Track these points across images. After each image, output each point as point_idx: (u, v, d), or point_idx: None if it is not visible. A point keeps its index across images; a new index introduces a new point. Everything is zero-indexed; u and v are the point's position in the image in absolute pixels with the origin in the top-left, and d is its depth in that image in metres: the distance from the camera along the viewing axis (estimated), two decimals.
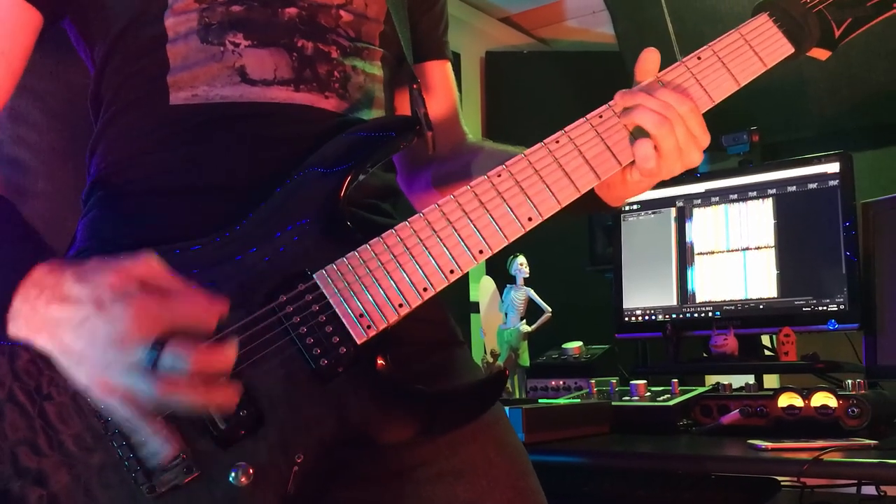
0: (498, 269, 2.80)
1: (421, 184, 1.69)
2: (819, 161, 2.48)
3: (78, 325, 1.08)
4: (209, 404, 1.09)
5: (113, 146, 1.42)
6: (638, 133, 1.33)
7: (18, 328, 1.12)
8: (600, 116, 1.35)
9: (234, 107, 1.37)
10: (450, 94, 1.72)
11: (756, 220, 2.56)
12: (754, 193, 2.57)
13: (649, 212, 2.78)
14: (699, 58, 1.38)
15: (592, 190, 1.35)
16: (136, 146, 1.39)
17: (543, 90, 4.67)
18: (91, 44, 1.45)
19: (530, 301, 2.70)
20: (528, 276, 2.71)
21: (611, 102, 1.35)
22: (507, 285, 2.72)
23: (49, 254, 1.16)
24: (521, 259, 2.70)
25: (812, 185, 2.48)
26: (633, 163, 1.35)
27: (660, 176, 1.36)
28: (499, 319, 2.74)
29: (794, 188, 2.51)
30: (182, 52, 1.38)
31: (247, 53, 1.39)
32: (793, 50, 1.42)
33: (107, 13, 1.40)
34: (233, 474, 1.16)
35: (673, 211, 2.72)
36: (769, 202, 2.54)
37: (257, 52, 1.39)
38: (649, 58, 1.37)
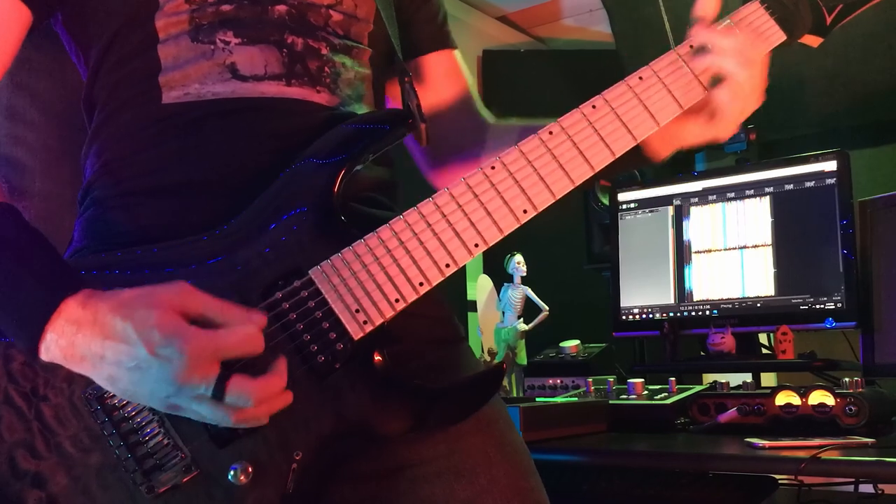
0: (495, 267, 2.80)
1: (446, 178, 1.69)
2: (816, 159, 2.48)
3: (131, 368, 1.08)
4: (273, 413, 1.14)
5: (106, 147, 1.42)
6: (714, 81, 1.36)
7: (53, 358, 1.12)
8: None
9: (227, 103, 1.38)
10: (460, 81, 1.72)
11: (753, 219, 2.56)
12: (751, 192, 2.57)
13: (646, 210, 2.78)
14: (691, 45, 1.39)
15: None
16: (129, 146, 1.40)
17: (540, 89, 4.66)
18: (83, 48, 1.45)
19: (528, 299, 2.70)
20: (525, 274, 2.71)
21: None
22: (505, 284, 2.72)
23: (75, 281, 1.15)
24: (519, 257, 2.70)
25: (809, 184, 2.48)
26: (698, 113, 1.39)
27: (733, 123, 1.40)
28: (496, 318, 2.74)
29: (791, 186, 2.51)
30: (173, 52, 1.38)
31: (237, 50, 1.39)
32: (785, 37, 1.42)
33: (99, 16, 1.41)
34: (232, 473, 1.17)
35: (670, 209, 2.72)
36: (766, 200, 2.54)
37: (247, 49, 1.39)
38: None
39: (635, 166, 1.47)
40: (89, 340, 1.09)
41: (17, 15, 1.36)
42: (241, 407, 1.09)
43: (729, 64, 1.35)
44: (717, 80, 1.36)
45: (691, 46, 1.38)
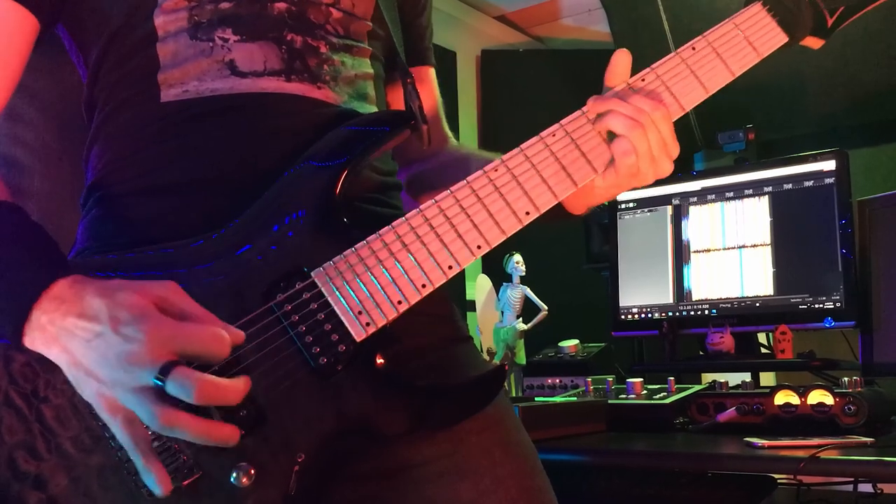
0: (494, 267, 2.80)
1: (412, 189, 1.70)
2: (815, 159, 2.49)
3: (91, 340, 1.08)
4: (209, 439, 1.08)
5: (107, 147, 1.42)
6: (612, 138, 1.33)
7: (33, 340, 1.12)
8: (573, 121, 1.35)
9: (226, 99, 1.37)
10: (433, 98, 1.75)
11: (752, 218, 2.56)
12: (750, 191, 2.57)
13: (645, 210, 2.78)
14: (694, 48, 1.39)
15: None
16: (129, 145, 1.39)
17: (539, 88, 4.67)
18: (84, 49, 1.45)
19: (526, 299, 2.70)
20: (524, 274, 2.71)
21: (583, 108, 1.36)
22: (504, 283, 2.72)
23: (69, 268, 1.16)
24: (518, 257, 2.70)
25: (808, 183, 2.48)
26: (607, 169, 1.35)
27: (635, 181, 1.36)
28: (495, 318, 2.74)
29: (790, 186, 2.51)
30: (172, 50, 1.38)
31: (236, 47, 1.39)
32: (786, 39, 1.42)
33: (99, 16, 1.40)
34: (234, 475, 1.16)
35: (669, 209, 2.72)
36: (765, 200, 2.54)
37: (246, 46, 1.39)
38: (622, 61, 1.38)
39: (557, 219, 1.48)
40: (65, 316, 1.10)
41: (24, 23, 1.36)
42: (183, 398, 1.03)
43: (619, 125, 1.31)
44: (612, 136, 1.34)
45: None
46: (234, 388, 1.07)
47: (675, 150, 1.35)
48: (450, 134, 1.75)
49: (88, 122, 1.47)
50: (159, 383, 1.03)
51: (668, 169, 1.35)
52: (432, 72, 1.76)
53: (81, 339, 1.08)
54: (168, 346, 1.05)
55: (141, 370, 1.04)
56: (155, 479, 1.09)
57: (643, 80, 1.37)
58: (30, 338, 1.12)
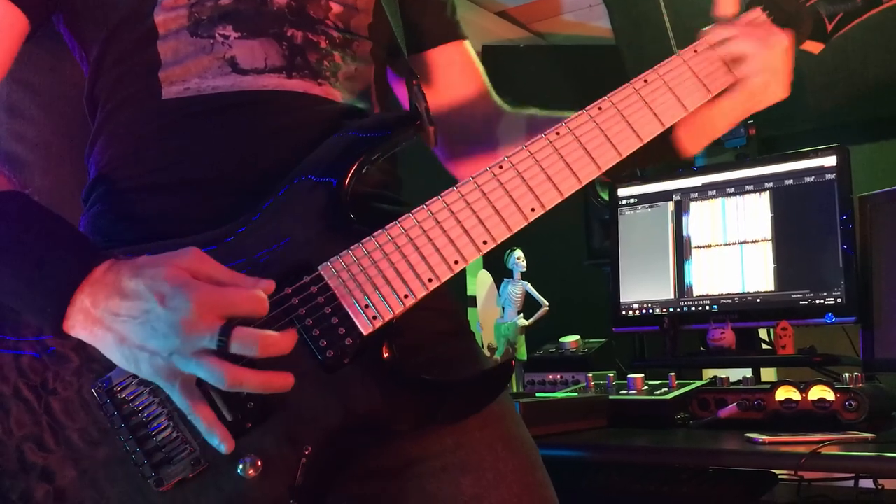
0: (495, 262, 2.80)
1: (471, 166, 1.68)
2: (816, 154, 2.48)
3: (139, 318, 1.10)
4: (271, 388, 1.13)
5: (109, 144, 1.43)
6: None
7: (74, 324, 1.14)
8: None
9: (227, 97, 1.38)
10: (473, 72, 1.72)
11: (753, 214, 2.56)
12: (751, 187, 2.57)
13: (646, 205, 2.78)
14: (695, 51, 1.40)
15: (668, 135, 1.40)
16: (131, 142, 1.40)
17: (540, 84, 4.66)
18: (86, 45, 1.46)
19: (527, 295, 2.70)
20: (525, 269, 2.71)
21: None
22: (505, 279, 2.72)
23: (104, 254, 1.18)
24: (519, 253, 2.70)
25: (809, 179, 2.48)
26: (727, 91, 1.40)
27: (763, 98, 1.43)
28: (496, 313, 2.74)
29: (790, 182, 2.51)
30: (173, 47, 1.38)
31: (237, 44, 1.39)
32: None
33: (98, 13, 1.41)
34: (240, 466, 1.17)
35: (670, 204, 2.72)
36: (766, 196, 2.54)
37: (247, 43, 1.39)
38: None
39: (665, 160, 1.48)
40: (108, 299, 1.12)
41: (14, 22, 1.36)
42: (247, 355, 1.09)
43: (749, 46, 1.38)
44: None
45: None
46: (288, 338, 1.13)
47: (789, 77, 1.43)
48: (501, 103, 1.73)
49: (91, 118, 1.48)
50: (221, 345, 1.07)
51: (784, 93, 1.44)
52: (467, 44, 1.73)
53: (129, 318, 1.11)
54: (217, 310, 1.09)
55: (199, 336, 1.07)
56: (219, 439, 1.14)
57: (645, 80, 1.38)
58: (71, 321, 1.14)
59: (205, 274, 1.13)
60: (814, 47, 1.48)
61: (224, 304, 1.10)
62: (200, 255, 1.15)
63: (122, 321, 1.11)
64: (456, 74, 1.67)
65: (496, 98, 1.72)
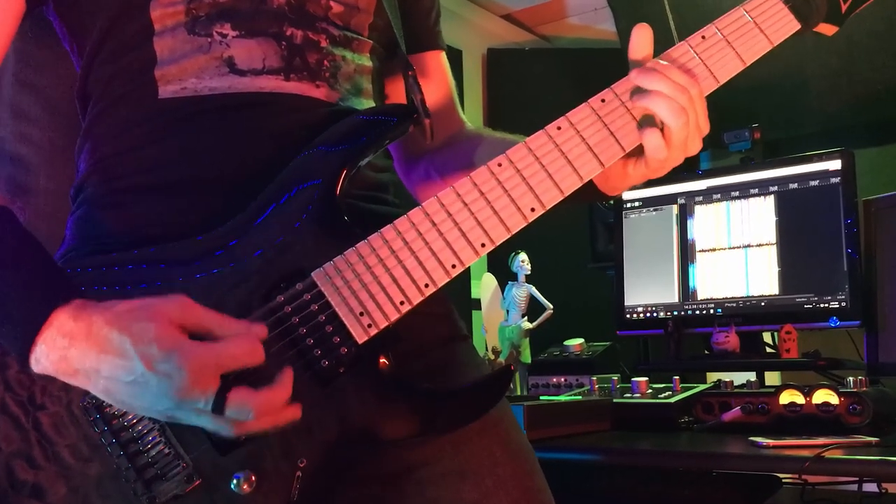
0: (499, 265, 2.80)
1: (419, 173, 1.67)
2: (821, 158, 2.48)
3: (129, 382, 1.05)
4: (278, 426, 1.11)
5: (100, 143, 1.40)
6: (645, 121, 1.30)
7: (45, 370, 1.10)
8: (602, 101, 1.31)
9: (224, 98, 1.35)
10: (445, 83, 1.69)
11: (758, 217, 2.56)
12: (756, 190, 2.57)
13: (651, 209, 2.77)
14: (703, 37, 1.35)
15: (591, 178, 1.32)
16: (123, 142, 1.37)
17: (545, 87, 4.67)
18: (77, 39, 1.43)
19: (532, 298, 2.70)
20: (529, 272, 2.71)
21: (613, 85, 1.32)
22: (509, 282, 2.72)
23: (67, 291, 1.12)
24: (523, 256, 2.70)
25: (814, 183, 2.48)
26: (634, 154, 1.33)
27: (664, 168, 1.34)
28: (500, 316, 2.74)
29: (795, 185, 2.50)
30: (169, 45, 1.36)
31: (234, 44, 1.36)
32: (799, 26, 1.39)
33: (93, 6, 1.38)
34: (234, 482, 1.14)
35: (675, 208, 2.72)
36: (771, 199, 2.54)
37: (245, 43, 1.37)
38: (643, 35, 1.35)
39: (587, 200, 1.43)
40: (83, 354, 1.06)
41: (9, 4, 1.34)
42: (243, 420, 1.07)
43: (663, 109, 1.28)
44: (648, 120, 1.31)
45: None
46: (282, 390, 1.11)
47: (707, 128, 1.32)
48: (465, 119, 1.70)
49: (82, 115, 1.45)
50: (217, 409, 1.05)
51: (698, 147, 1.33)
52: (442, 56, 1.70)
53: (113, 379, 1.06)
54: (210, 371, 1.05)
55: (193, 401, 1.05)
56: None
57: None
58: (40, 367, 1.09)
59: (193, 325, 1.08)
60: (827, 29, 1.44)
61: (218, 363, 1.06)
62: (187, 305, 1.09)
63: (105, 379, 1.06)
64: (427, 83, 1.62)
65: (461, 114, 1.70)
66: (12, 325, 1.10)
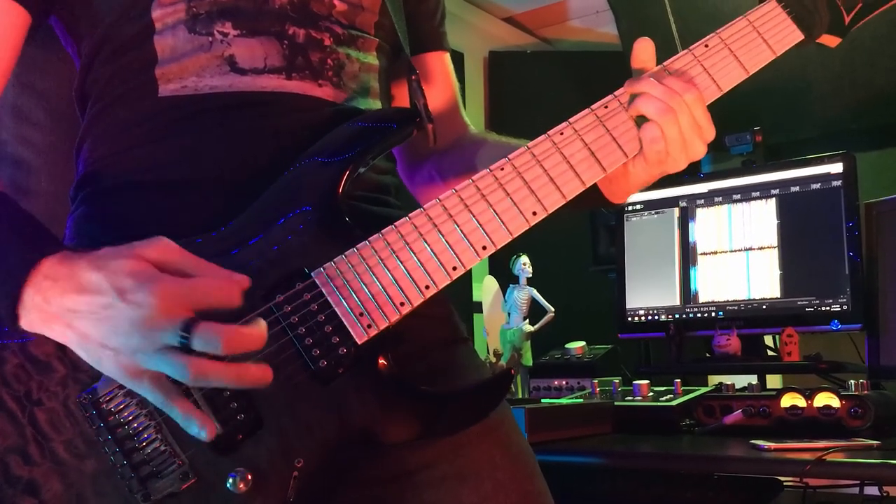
0: (501, 268, 2.80)
1: (423, 176, 1.67)
2: (822, 161, 2.48)
3: (99, 314, 1.05)
4: (243, 381, 1.07)
5: (100, 141, 1.40)
6: (642, 122, 1.31)
7: (31, 322, 1.10)
8: (605, 107, 1.32)
9: (225, 97, 1.35)
10: (449, 85, 1.69)
11: (759, 221, 2.56)
12: (757, 194, 2.57)
13: (652, 212, 2.77)
14: (707, 45, 1.36)
15: (595, 184, 1.33)
16: (123, 141, 1.37)
17: (547, 90, 4.67)
18: (77, 38, 1.43)
19: (533, 301, 2.70)
20: (531, 275, 2.71)
21: (616, 92, 1.33)
22: (511, 285, 2.72)
23: (56, 244, 1.13)
24: (525, 259, 2.70)
25: (815, 186, 2.48)
26: (637, 155, 1.33)
27: (665, 167, 1.34)
28: (502, 319, 2.74)
29: (797, 188, 2.50)
30: (170, 44, 1.35)
31: (236, 43, 1.36)
32: (802, 37, 1.39)
33: (93, 7, 1.38)
34: (230, 480, 1.13)
35: (676, 211, 2.72)
36: (772, 202, 2.54)
37: (246, 41, 1.36)
38: (645, 48, 1.36)
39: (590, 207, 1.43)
40: (63, 294, 1.07)
41: (16, 17, 1.34)
42: (211, 351, 1.02)
43: (651, 108, 1.29)
44: (643, 120, 1.32)
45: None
46: (257, 331, 1.06)
47: (711, 133, 1.33)
48: (468, 122, 1.71)
49: (81, 114, 1.45)
50: (184, 341, 1.01)
51: (701, 152, 1.33)
52: (446, 57, 1.70)
53: (88, 314, 1.06)
54: (181, 303, 1.04)
55: (161, 332, 1.02)
56: (197, 426, 1.07)
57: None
58: (27, 320, 1.10)
59: (172, 265, 1.08)
60: (831, 41, 1.45)
61: (189, 295, 1.05)
62: (167, 245, 1.09)
63: (81, 317, 1.07)
64: (431, 85, 1.63)
65: (465, 117, 1.70)
66: (1, 279, 1.11)
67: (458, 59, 4.96)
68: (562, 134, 1.31)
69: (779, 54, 1.39)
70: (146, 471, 1.15)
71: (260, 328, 1.07)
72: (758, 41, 1.37)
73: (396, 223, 1.25)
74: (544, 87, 4.74)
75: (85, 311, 1.07)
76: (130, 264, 1.06)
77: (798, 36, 1.39)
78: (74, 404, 1.16)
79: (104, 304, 1.05)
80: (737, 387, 2.19)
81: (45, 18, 1.41)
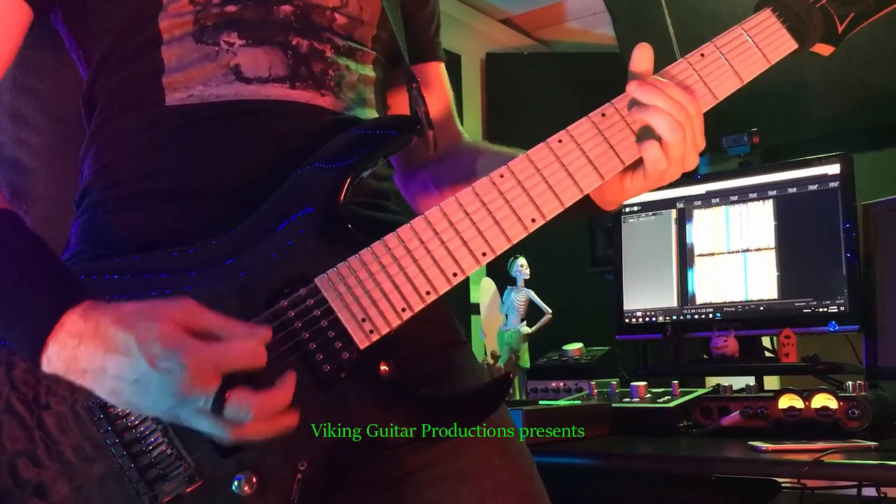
0: (498, 270, 2.80)
1: (417, 184, 1.68)
2: (819, 163, 2.48)
3: (132, 381, 1.07)
4: (276, 433, 1.11)
5: (106, 148, 1.41)
6: (644, 133, 1.31)
7: (55, 369, 1.11)
8: (603, 115, 1.33)
9: (230, 105, 1.36)
10: (444, 94, 1.71)
11: (756, 222, 2.56)
12: (755, 195, 2.57)
13: (650, 213, 2.78)
14: (702, 55, 1.37)
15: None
16: (129, 148, 1.38)
17: (544, 92, 4.67)
18: (85, 46, 1.44)
19: (531, 302, 2.70)
20: (528, 277, 2.71)
21: (613, 100, 1.34)
22: (508, 287, 2.72)
23: (76, 293, 1.13)
24: (522, 260, 2.70)
25: (812, 187, 2.48)
26: (636, 170, 1.34)
27: (661, 181, 1.36)
28: (499, 321, 2.74)
29: (794, 190, 2.51)
30: (177, 53, 1.37)
31: (241, 52, 1.38)
32: (796, 45, 1.41)
33: (101, 15, 1.40)
34: (235, 483, 1.15)
35: (673, 212, 2.72)
36: (770, 204, 2.54)
37: (251, 51, 1.38)
38: (644, 54, 1.36)
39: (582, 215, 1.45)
40: (91, 353, 1.08)
41: (17, 12, 1.35)
42: (241, 420, 1.07)
43: (662, 125, 1.29)
44: (646, 133, 1.32)
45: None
46: (283, 394, 1.11)
47: (703, 143, 1.34)
48: (462, 131, 1.72)
49: (87, 121, 1.46)
50: (216, 409, 1.05)
51: (695, 163, 1.34)
52: (441, 67, 1.72)
53: (119, 378, 1.07)
54: (212, 370, 1.06)
55: (194, 399, 1.05)
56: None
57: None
58: (51, 366, 1.11)
59: (199, 327, 1.09)
60: (824, 49, 1.46)
61: (220, 362, 1.07)
62: (193, 307, 1.10)
63: (111, 379, 1.08)
64: (428, 94, 1.60)
65: (459, 126, 1.72)
66: (24, 328, 1.12)
67: (455, 61, 5.01)
68: (560, 142, 1.31)
69: (773, 62, 1.40)
70: (153, 474, 1.17)
71: (289, 386, 1.11)
72: (752, 50, 1.38)
73: (398, 230, 1.26)
74: (541, 88, 4.74)
75: (113, 372, 1.08)
76: (159, 328, 1.07)
77: (792, 45, 1.41)
78: (82, 408, 1.18)
79: (134, 368, 1.06)
80: (734, 388, 2.20)
81: (46, 15, 1.42)
